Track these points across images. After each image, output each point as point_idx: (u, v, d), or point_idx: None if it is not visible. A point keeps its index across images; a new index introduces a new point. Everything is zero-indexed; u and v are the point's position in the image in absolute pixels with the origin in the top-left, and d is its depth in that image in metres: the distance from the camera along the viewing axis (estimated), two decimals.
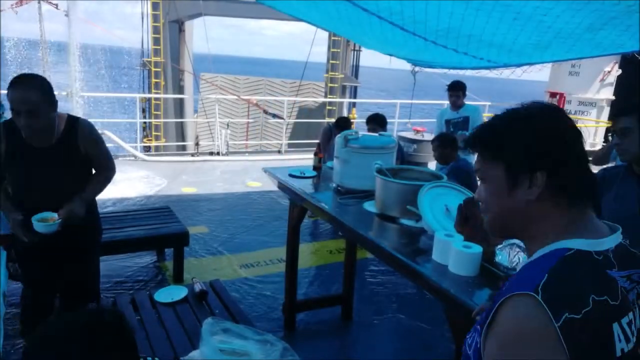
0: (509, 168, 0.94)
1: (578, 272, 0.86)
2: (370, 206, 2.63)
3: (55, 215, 2.32)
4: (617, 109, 2.09)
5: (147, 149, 12.41)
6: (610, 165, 3.45)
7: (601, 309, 0.82)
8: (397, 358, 3.30)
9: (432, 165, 5.33)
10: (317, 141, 5.55)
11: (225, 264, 4.49)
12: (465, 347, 0.98)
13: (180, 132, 14.37)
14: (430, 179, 2.59)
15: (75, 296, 2.60)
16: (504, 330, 0.84)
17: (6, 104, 2.41)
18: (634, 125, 1.88)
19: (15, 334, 3.09)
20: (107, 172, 2.58)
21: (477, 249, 1.87)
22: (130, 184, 6.82)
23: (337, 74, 13.13)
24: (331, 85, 13.23)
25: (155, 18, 12.94)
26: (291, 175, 3.22)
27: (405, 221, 2.41)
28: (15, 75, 2.29)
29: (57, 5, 7.53)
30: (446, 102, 5.35)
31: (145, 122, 13.06)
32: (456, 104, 5.16)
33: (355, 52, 13.67)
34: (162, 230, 4.12)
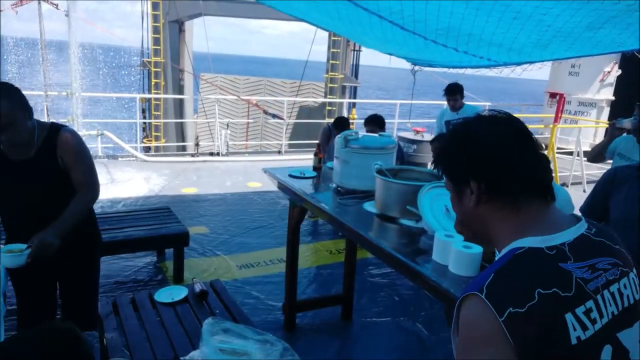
0: (452, 181, 1.08)
1: (524, 269, 0.92)
2: (370, 206, 2.63)
3: (24, 246, 2.04)
4: None
5: (147, 150, 12.41)
6: (623, 164, 3.43)
7: (549, 302, 0.88)
8: (397, 358, 3.30)
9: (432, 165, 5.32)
10: (317, 141, 5.54)
11: (225, 264, 4.49)
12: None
13: (180, 132, 14.37)
14: (430, 179, 2.59)
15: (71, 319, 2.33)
16: (459, 333, 0.93)
17: None
18: None
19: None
20: (88, 194, 2.25)
21: (477, 249, 1.87)
22: (130, 184, 6.82)
23: (337, 74, 13.13)
24: (331, 85, 13.23)
25: (155, 18, 12.94)
26: (291, 176, 3.22)
27: (405, 221, 2.41)
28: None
29: (57, 5, 7.52)
30: (446, 103, 5.35)
31: (145, 123, 13.05)
32: (455, 107, 5.16)
33: (355, 52, 13.67)
34: (162, 231, 4.12)
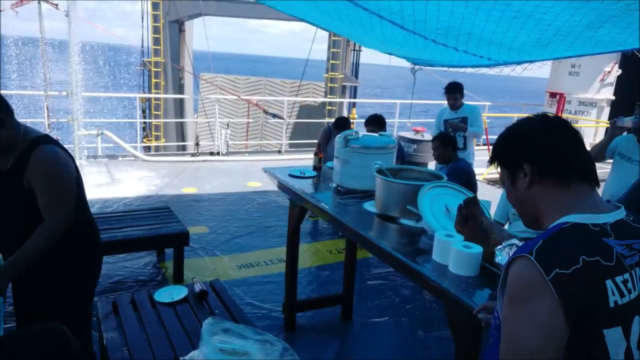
0: (507, 167, 1.23)
1: (571, 239, 1.05)
2: (370, 206, 2.63)
3: None
4: None
5: (147, 149, 12.41)
6: (624, 164, 3.43)
7: (592, 267, 1.00)
8: (397, 358, 3.30)
9: (432, 165, 5.33)
10: (317, 141, 5.54)
11: (225, 263, 4.49)
12: (491, 330, 1.19)
13: (180, 132, 14.36)
14: (430, 179, 2.59)
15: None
16: (508, 287, 1.05)
17: None
18: None
19: None
20: (49, 225, 1.97)
21: (477, 249, 1.87)
22: (130, 184, 6.82)
23: (337, 74, 13.12)
24: (331, 85, 13.22)
25: (155, 18, 12.93)
26: (291, 176, 3.21)
27: (405, 221, 2.41)
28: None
29: (57, 5, 7.51)
30: (446, 102, 5.34)
31: (145, 122, 13.05)
32: (455, 106, 5.16)
33: (355, 52, 13.67)
34: (162, 230, 4.12)
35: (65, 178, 2.04)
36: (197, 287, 2.90)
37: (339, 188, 2.95)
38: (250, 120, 14.20)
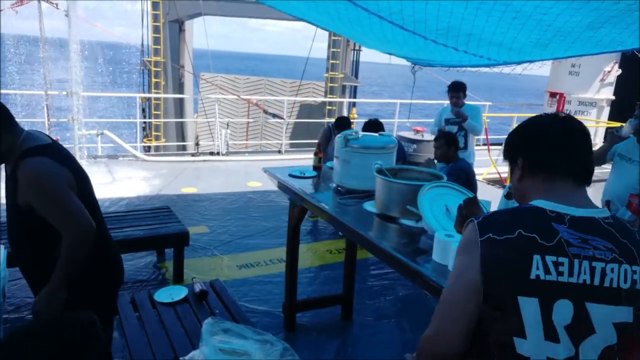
0: (507, 159, 1.35)
1: (518, 215, 1.18)
2: (370, 206, 2.63)
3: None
4: None
5: (147, 149, 12.40)
6: (624, 164, 3.44)
7: (526, 241, 1.11)
8: (397, 358, 3.29)
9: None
10: (317, 141, 5.54)
11: (225, 263, 4.49)
12: None
13: (180, 132, 14.36)
14: (430, 179, 2.59)
15: None
16: (458, 243, 1.24)
17: None
18: None
19: None
20: (65, 241, 1.87)
21: None
22: (130, 184, 6.82)
23: (337, 73, 13.12)
24: (331, 85, 13.22)
25: (155, 18, 12.93)
26: (291, 176, 3.21)
27: (405, 221, 2.41)
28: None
29: (57, 4, 7.51)
30: (446, 102, 5.35)
31: (145, 122, 13.05)
32: (457, 105, 5.16)
33: (355, 52, 13.66)
34: (162, 230, 4.12)
35: (54, 185, 1.87)
36: (197, 287, 2.90)
37: (339, 188, 2.95)
38: (250, 120, 14.20)
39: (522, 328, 1.10)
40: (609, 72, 11.43)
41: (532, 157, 1.26)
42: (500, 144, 10.31)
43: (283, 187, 3.18)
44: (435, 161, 4.50)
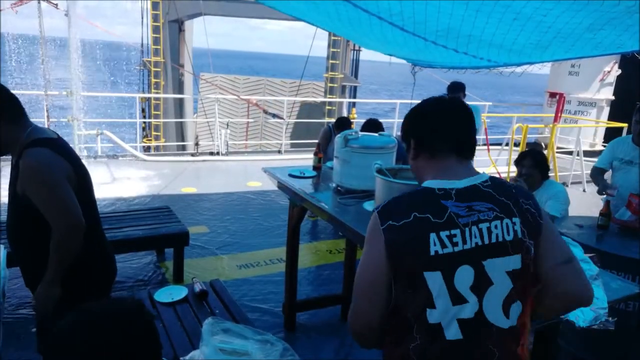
0: (404, 142, 1.49)
1: (411, 199, 1.31)
2: (370, 206, 2.63)
3: None
4: None
5: (147, 149, 12.39)
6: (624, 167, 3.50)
7: (420, 222, 1.25)
8: None
9: None
10: (316, 141, 5.54)
11: (225, 263, 4.49)
12: None
13: (180, 132, 14.35)
14: None
15: None
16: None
17: None
18: None
19: (13, 333, 3.10)
20: (55, 235, 1.87)
21: None
22: (130, 184, 6.83)
23: (337, 73, 13.12)
24: (331, 85, 13.22)
25: (155, 18, 12.92)
26: (291, 175, 3.22)
27: None
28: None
29: (57, 4, 7.51)
30: None
31: (145, 122, 13.04)
32: None
33: (355, 52, 13.66)
34: (162, 230, 4.12)
35: (51, 176, 1.88)
36: (197, 287, 2.91)
37: (339, 188, 2.95)
38: (250, 120, 14.19)
39: (431, 299, 1.24)
40: (609, 72, 11.44)
41: (418, 137, 1.41)
42: (500, 144, 10.32)
43: (283, 187, 3.19)
44: None
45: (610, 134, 10.78)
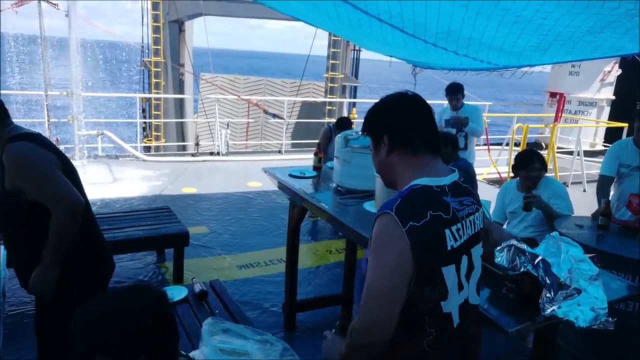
0: (372, 138, 1.49)
1: (421, 197, 1.32)
2: (370, 206, 2.64)
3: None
4: None
5: (147, 149, 12.39)
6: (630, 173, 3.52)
7: (436, 220, 1.29)
8: None
9: None
10: (317, 141, 5.54)
11: (225, 264, 4.50)
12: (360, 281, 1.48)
13: (180, 132, 14.35)
14: None
15: None
16: (372, 238, 1.32)
17: None
18: None
19: (13, 333, 3.10)
20: (54, 216, 1.91)
21: None
22: (130, 184, 6.83)
23: (337, 73, 13.11)
24: (331, 85, 13.22)
25: (155, 18, 12.92)
26: (291, 176, 3.22)
27: None
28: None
29: (57, 5, 7.52)
30: (446, 102, 5.35)
31: (145, 122, 13.04)
32: (456, 108, 5.17)
33: (355, 52, 13.66)
34: (162, 231, 4.12)
35: (38, 164, 1.93)
36: (197, 287, 2.91)
37: (339, 188, 2.95)
38: (250, 120, 14.20)
39: (446, 292, 1.32)
40: (609, 72, 11.44)
41: (396, 133, 1.42)
42: (500, 144, 10.33)
43: (283, 187, 3.19)
44: None
45: (611, 134, 10.79)
